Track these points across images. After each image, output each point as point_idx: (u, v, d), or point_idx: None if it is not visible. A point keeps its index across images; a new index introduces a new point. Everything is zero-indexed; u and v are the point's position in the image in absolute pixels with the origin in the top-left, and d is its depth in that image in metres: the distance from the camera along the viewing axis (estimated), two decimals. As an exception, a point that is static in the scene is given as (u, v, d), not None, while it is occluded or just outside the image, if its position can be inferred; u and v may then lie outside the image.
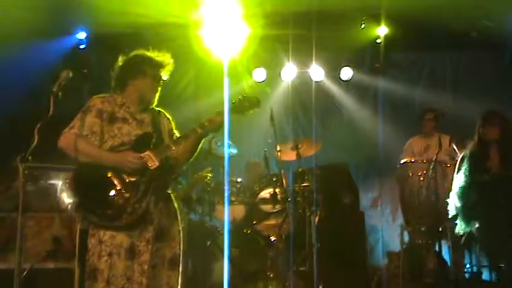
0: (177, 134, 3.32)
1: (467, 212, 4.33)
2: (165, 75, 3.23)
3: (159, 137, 3.17)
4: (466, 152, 4.38)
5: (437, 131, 5.82)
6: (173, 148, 3.09)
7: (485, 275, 5.25)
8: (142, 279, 2.92)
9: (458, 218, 4.40)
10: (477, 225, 4.29)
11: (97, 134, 3.05)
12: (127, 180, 2.97)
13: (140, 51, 3.23)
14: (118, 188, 2.95)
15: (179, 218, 3.21)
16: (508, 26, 6.62)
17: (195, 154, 3.31)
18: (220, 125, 3.16)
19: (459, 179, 4.35)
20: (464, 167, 4.34)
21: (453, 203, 4.52)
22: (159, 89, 3.23)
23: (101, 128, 3.05)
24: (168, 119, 3.34)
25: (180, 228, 3.19)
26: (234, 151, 5.79)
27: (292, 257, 5.00)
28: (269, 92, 7.33)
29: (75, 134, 3.01)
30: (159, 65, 3.19)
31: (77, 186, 3.02)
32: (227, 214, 5.32)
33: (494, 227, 4.17)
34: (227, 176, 5.28)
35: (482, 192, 4.17)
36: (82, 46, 6.66)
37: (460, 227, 4.40)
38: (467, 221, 4.36)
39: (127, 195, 2.94)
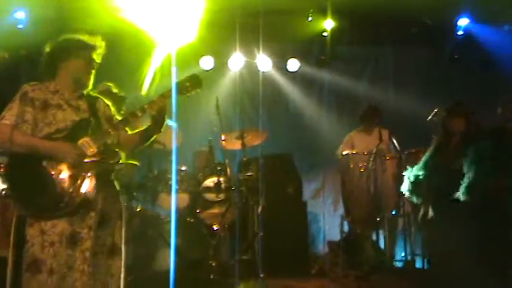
0: (118, 119, 3.24)
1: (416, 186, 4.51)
2: (97, 58, 3.14)
3: (98, 123, 3.08)
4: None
5: (378, 125, 5.93)
6: (112, 133, 3.01)
7: (418, 263, 5.49)
8: (84, 267, 2.85)
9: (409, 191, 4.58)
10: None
11: (29, 122, 2.93)
12: (64, 168, 2.88)
13: (70, 35, 3.13)
14: (54, 176, 2.86)
15: (121, 205, 3.15)
16: (447, 24, 6.90)
17: (146, 144, 3.25)
18: (163, 108, 3.07)
19: (418, 166, 4.52)
20: (426, 156, 4.50)
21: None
22: (93, 72, 3.13)
23: (33, 116, 2.94)
24: (108, 105, 3.25)
25: (123, 215, 3.13)
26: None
27: (236, 246, 5.03)
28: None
29: (8, 125, 2.89)
30: (91, 47, 3.10)
31: (11, 175, 2.91)
32: (175, 202, 5.28)
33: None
34: (175, 164, 5.23)
35: (438, 180, 4.33)
36: (20, 26, 6.38)
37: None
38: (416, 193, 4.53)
39: (65, 183, 2.86)
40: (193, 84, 3.15)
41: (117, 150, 3.09)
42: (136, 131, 3.18)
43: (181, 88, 3.12)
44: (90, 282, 2.88)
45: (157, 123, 3.13)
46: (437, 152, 4.45)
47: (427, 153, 4.53)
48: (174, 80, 3.50)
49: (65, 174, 2.87)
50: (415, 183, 4.50)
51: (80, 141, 2.93)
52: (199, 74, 3.22)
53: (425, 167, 4.49)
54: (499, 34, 7.01)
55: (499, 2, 6.19)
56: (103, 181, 3.02)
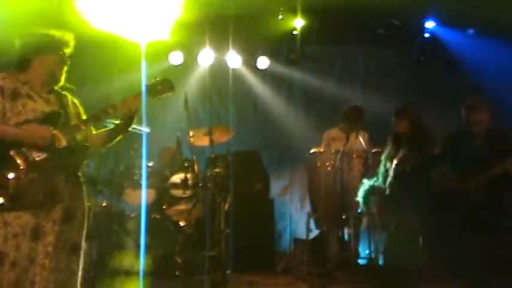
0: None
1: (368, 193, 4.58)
2: (68, 54, 3.10)
3: (67, 118, 3.04)
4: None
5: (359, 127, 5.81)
6: (83, 128, 2.99)
7: (382, 261, 5.57)
8: (45, 262, 2.81)
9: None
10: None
11: None
12: (31, 159, 2.82)
13: (44, 30, 3.09)
14: (22, 167, 2.79)
15: (86, 201, 3.11)
16: (414, 26, 7.04)
17: (115, 141, 3.23)
18: (135, 108, 3.08)
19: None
20: (382, 159, 4.58)
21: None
22: (66, 69, 3.10)
23: (2, 105, 2.87)
24: (75, 103, 3.22)
25: (86, 211, 3.09)
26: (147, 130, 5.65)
27: (207, 242, 5.01)
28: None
29: None
30: (65, 43, 3.08)
31: None
32: (145, 198, 5.22)
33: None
34: (145, 159, 5.16)
35: (392, 183, 4.39)
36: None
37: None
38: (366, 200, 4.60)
39: (32, 175, 2.80)
40: (164, 87, 3.18)
41: (86, 145, 3.06)
42: (105, 129, 3.17)
43: (153, 91, 3.16)
44: (50, 277, 2.84)
45: (126, 123, 3.14)
46: (387, 156, 4.50)
47: (382, 158, 4.60)
48: (144, 74, 3.50)
49: (33, 166, 2.81)
50: (367, 192, 4.55)
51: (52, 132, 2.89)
52: (170, 73, 3.23)
53: (379, 173, 4.56)
54: (464, 38, 7.19)
55: (464, 7, 6.33)
56: (70, 176, 2.98)
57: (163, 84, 3.18)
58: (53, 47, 3.04)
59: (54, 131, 2.89)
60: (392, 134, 4.57)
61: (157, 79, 3.20)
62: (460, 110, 4.47)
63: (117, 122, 3.16)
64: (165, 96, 3.20)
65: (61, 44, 3.07)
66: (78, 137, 3.03)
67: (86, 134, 3.10)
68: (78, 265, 2.99)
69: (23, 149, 2.82)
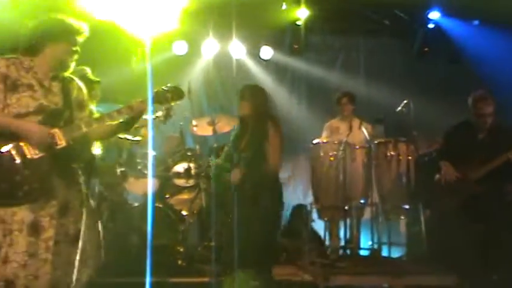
0: (90, 106, 3.19)
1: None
2: (80, 42, 3.07)
3: (69, 109, 3.00)
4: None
5: (353, 114, 5.93)
6: (84, 130, 2.95)
7: (385, 251, 5.59)
8: (47, 256, 2.81)
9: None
10: None
11: (0, 101, 2.84)
12: (29, 156, 2.80)
13: (57, 15, 3.05)
14: (17, 162, 2.77)
15: (83, 192, 3.08)
16: (418, 17, 7.00)
17: (110, 137, 3.26)
18: (141, 113, 3.08)
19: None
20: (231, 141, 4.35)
21: None
22: (76, 57, 3.07)
23: (4, 94, 2.84)
24: (80, 88, 3.17)
25: (84, 202, 3.07)
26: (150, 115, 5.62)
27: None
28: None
29: None
30: (78, 32, 3.04)
31: None
32: (151, 188, 5.21)
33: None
34: (152, 149, 5.15)
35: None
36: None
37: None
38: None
39: (26, 172, 2.78)
40: (174, 95, 3.15)
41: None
42: (106, 124, 3.11)
43: (161, 98, 3.13)
44: (51, 270, 2.84)
45: (128, 124, 3.15)
46: (234, 141, 4.26)
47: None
48: (149, 65, 3.46)
49: (29, 162, 2.79)
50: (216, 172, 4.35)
51: (50, 132, 2.86)
52: (174, 62, 3.17)
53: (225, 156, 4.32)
54: (468, 29, 7.15)
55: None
56: (65, 169, 2.97)
57: (173, 92, 3.14)
58: (67, 34, 3.00)
59: (55, 130, 2.86)
60: (239, 117, 4.32)
61: (168, 86, 3.16)
62: (467, 101, 4.39)
63: (121, 120, 3.12)
64: (173, 104, 3.16)
65: (75, 32, 3.03)
66: (78, 135, 2.97)
67: (88, 134, 3.05)
68: (76, 255, 2.99)
69: (21, 144, 2.80)
